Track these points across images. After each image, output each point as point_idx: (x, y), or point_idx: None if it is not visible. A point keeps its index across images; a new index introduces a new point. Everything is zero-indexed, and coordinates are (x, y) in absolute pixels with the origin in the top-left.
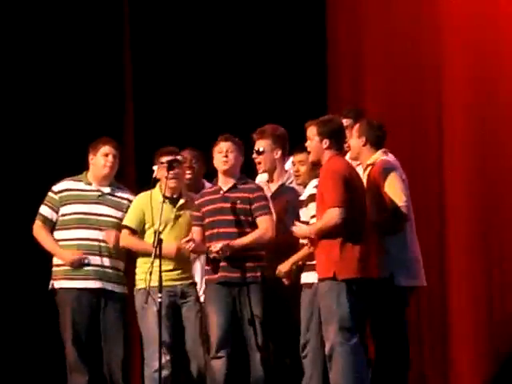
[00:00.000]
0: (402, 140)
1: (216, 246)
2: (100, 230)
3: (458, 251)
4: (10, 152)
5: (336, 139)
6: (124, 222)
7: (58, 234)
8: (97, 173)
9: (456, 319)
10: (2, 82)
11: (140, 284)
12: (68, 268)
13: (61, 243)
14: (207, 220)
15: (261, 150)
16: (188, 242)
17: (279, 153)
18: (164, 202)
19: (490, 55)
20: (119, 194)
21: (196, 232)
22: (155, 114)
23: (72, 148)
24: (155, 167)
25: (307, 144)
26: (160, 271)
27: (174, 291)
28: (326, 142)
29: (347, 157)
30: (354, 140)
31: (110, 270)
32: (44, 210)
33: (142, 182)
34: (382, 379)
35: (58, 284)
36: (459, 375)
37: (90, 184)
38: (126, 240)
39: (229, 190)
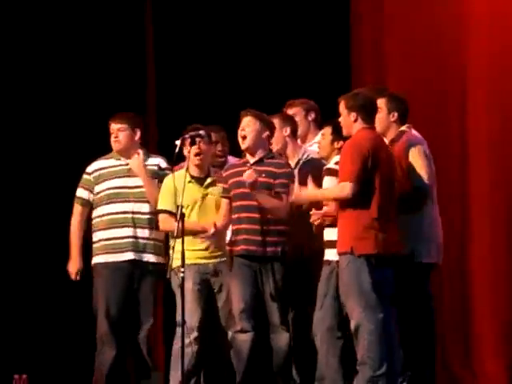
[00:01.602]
0: (425, 119)
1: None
2: (132, 202)
3: (480, 226)
4: (36, 131)
5: (364, 113)
6: (159, 207)
7: (95, 212)
8: (114, 149)
9: (477, 296)
10: (26, 60)
11: (175, 262)
12: (103, 243)
13: (96, 220)
14: (233, 192)
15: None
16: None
17: (288, 130)
18: (190, 181)
19: None
20: (148, 163)
21: (224, 203)
22: (178, 90)
23: (95, 127)
24: (178, 141)
25: (340, 119)
26: (183, 247)
27: (206, 269)
28: (353, 116)
29: None
30: (383, 115)
31: (145, 241)
32: (81, 192)
33: (165, 156)
34: (410, 356)
35: (94, 260)
36: (481, 351)
37: (119, 159)
38: (168, 223)
39: (255, 163)
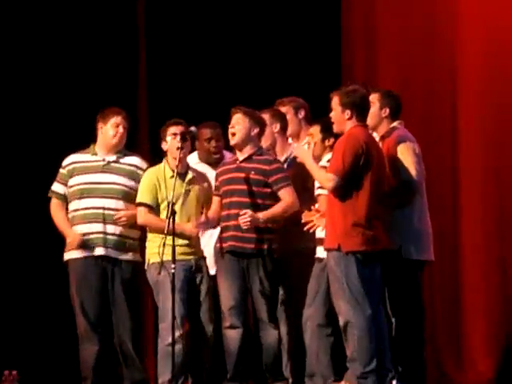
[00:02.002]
0: (416, 115)
1: (245, 217)
2: (105, 198)
3: (471, 226)
4: (25, 123)
5: (358, 110)
6: (138, 200)
7: (69, 206)
8: (106, 142)
9: (469, 295)
10: (18, 54)
11: (152, 258)
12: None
13: (70, 215)
14: (223, 189)
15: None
16: (201, 221)
17: (278, 126)
18: (174, 176)
19: (506, 30)
20: (125, 161)
21: (215, 201)
22: (169, 85)
23: (85, 120)
24: (168, 138)
25: (331, 114)
26: (173, 242)
27: (188, 265)
28: (347, 113)
29: None
30: (375, 110)
31: (116, 238)
32: (56, 187)
33: (156, 153)
34: (400, 352)
35: (67, 255)
36: (472, 350)
37: (95, 154)
38: (145, 217)
39: (244, 161)
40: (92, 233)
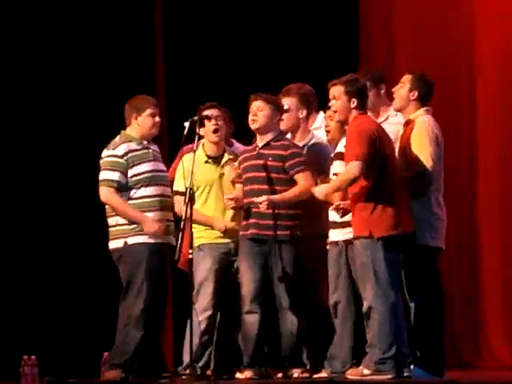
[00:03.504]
0: (433, 106)
1: (261, 200)
2: (165, 185)
3: (488, 212)
4: (50, 113)
5: (362, 99)
6: (174, 188)
7: (130, 194)
8: (144, 132)
9: (487, 282)
10: (37, 46)
11: (197, 242)
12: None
13: (134, 201)
14: (244, 176)
15: (285, 107)
16: (230, 199)
17: (304, 112)
18: (207, 161)
19: None
20: (157, 149)
21: (238, 189)
22: (187, 72)
23: (104, 109)
24: (186, 123)
25: (332, 103)
26: (191, 228)
27: (227, 248)
28: (353, 102)
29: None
30: (405, 92)
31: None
32: (113, 175)
33: (174, 142)
34: (419, 337)
35: (132, 240)
36: (490, 337)
37: (141, 143)
38: (179, 206)
39: (263, 147)
40: (167, 220)
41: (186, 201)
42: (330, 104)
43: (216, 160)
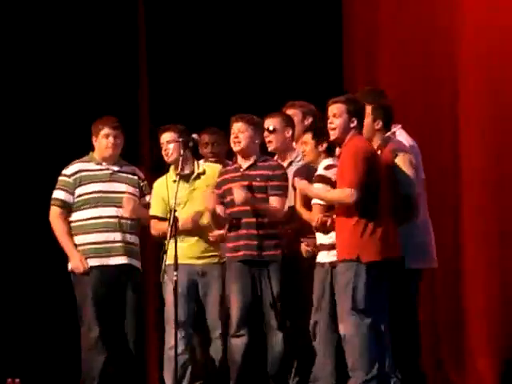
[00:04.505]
0: (416, 122)
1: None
2: (116, 206)
3: (472, 228)
4: (26, 129)
5: (361, 120)
6: (150, 213)
7: (76, 215)
8: (101, 154)
9: (469, 297)
10: (17, 57)
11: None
12: (89, 247)
13: (80, 223)
14: (228, 198)
15: (271, 128)
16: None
17: (290, 132)
18: (175, 181)
19: (506, 36)
20: (128, 170)
21: (220, 209)
22: (170, 90)
23: (85, 126)
24: (171, 145)
25: (331, 121)
26: (176, 249)
27: (193, 269)
28: (353, 121)
29: None
30: (369, 122)
31: (132, 246)
32: (60, 194)
33: (158, 159)
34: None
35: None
36: (473, 352)
37: (99, 164)
38: (157, 227)
39: (248, 168)
40: (109, 241)
41: (170, 222)
42: (329, 121)
43: (185, 177)
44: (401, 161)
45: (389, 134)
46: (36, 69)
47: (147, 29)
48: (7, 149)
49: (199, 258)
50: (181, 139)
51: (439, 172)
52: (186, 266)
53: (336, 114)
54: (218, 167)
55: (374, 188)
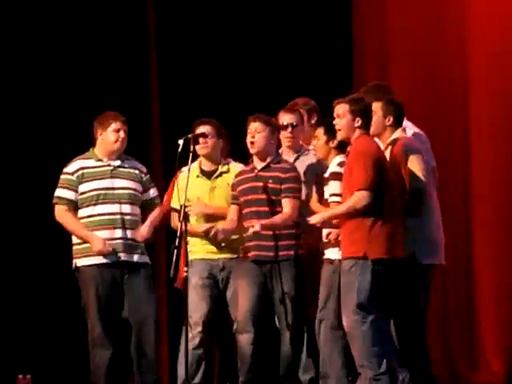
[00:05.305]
0: (427, 119)
1: (254, 226)
2: (120, 203)
3: (483, 225)
4: (29, 126)
5: (366, 119)
6: (171, 205)
7: (79, 213)
8: (107, 148)
9: (481, 295)
10: (28, 58)
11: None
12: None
13: (83, 221)
14: (242, 199)
15: (294, 124)
16: (213, 232)
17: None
18: (198, 176)
19: None
20: (130, 165)
21: (233, 210)
22: (181, 88)
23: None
24: (180, 141)
25: (336, 122)
26: (186, 246)
27: (214, 264)
28: (358, 121)
29: None
30: (379, 118)
31: (135, 242)
32: (64, 193)
33: (169, 157)
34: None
35: (80, 262)
36: (485, 350)
37: (100, 160)
38: (174, 221)
39: (262, 169)
40: (112, 238)
41: (181, 218)
42: (334, 122)
43: (208, 174)
44: (413, 158)
45: (399, 131)
46: (45, 67)
47: (157, 29)
48: (8, 149)
49: (219, 252)
50: (190, 135)
51: (450, 172)
52: (206, 261)
53: (340, 115)
54: (241, 167)
55: (382, 186)
